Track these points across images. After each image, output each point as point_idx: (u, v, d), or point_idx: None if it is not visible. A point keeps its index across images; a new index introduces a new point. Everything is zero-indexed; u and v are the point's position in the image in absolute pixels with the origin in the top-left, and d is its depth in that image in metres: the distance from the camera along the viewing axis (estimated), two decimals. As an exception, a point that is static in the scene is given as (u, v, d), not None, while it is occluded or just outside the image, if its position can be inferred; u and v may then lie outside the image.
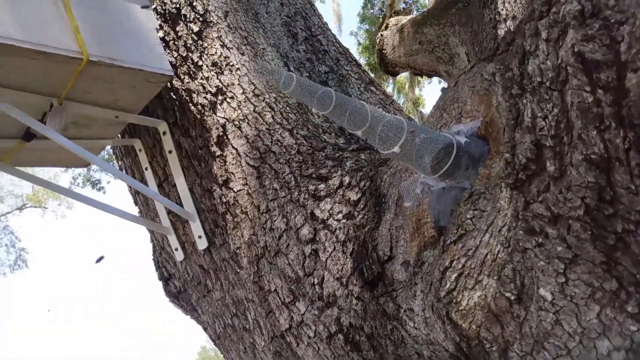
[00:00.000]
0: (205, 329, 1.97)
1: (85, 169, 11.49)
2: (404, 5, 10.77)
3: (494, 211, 0.93)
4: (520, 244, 0.85)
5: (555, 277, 0.82)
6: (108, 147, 2.11)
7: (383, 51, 4.06)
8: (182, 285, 1.93)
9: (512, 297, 0.86)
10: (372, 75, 3.37)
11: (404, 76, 11.22)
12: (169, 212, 1.83)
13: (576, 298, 0.81)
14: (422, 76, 4.19)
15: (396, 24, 4.00)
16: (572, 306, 0.82)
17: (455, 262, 0.95)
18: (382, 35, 4.15)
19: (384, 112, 1.00)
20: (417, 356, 1.10)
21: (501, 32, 2.55)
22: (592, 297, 0.80)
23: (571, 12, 0.77)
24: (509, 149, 0.89)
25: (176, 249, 1.84)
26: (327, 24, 2.37)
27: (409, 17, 3.95)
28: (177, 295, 1.99)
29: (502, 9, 2.54)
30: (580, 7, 0.76)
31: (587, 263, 0.79)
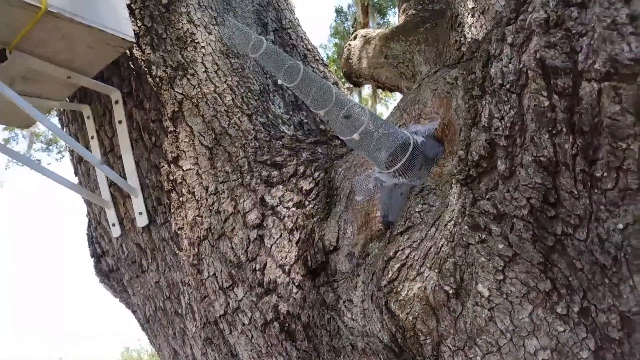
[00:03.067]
0: (134, 312, 1.89)
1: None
2: (377, 25, 10.99)
3: (442, 206, 0.94)
4: (464, 239, 0.87)
5: (494, 274, 0.84)
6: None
7: (349, 60, 4.10)
8: (115, 264, 1.85)
9: (451, 291, 0.88)
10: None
11: (368, 92, 11.39)
12: (111, 185, 1.75)
13: (511, 296, 0.83)
14: (383, 90, 4.26)
15: (365, 36, 4.07)
16: (507, 304, 0.84)
17: (399, 252, 0.96)
18: (349, 44, 4.20)
19: (349, 97, 1.00)
20: (351, 348, 1.09)
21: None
22: (527, 296, 0.82)
23: (537, 19, 0.80)
24: (463, 146, 0.90)
25: (113, 225, 1.76)
26: (298, 20, 2.37)
27: (378, 31, 4.02)
28: (108, 274, 1.90)
29: (468, 33, 2.62)
30: (546, 16, 0.79)
31: (526, 262, 0.82)
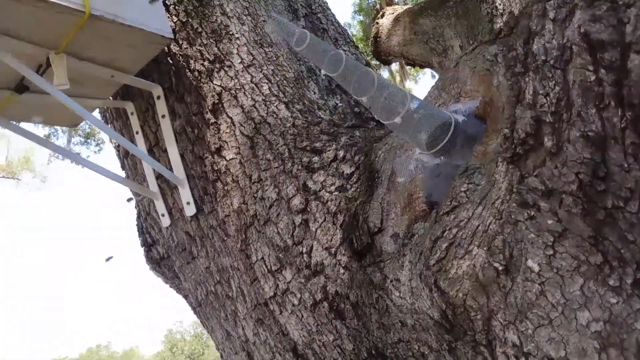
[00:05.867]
0: (186, 297, 1.97)
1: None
2: (402, 1, 10.78)
3: (488, 185, 0.95)
4: (513, 217, 0.88)
5: (543, 250, 0.85)
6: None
7: (378, 39, 4.07)
8: (165, 252, 1.93)
9: (500, 268, 0.89)
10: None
11: (395, 69, 11.24)
12: (158, 177, 1.82)
13: (562, 270, 0.84)
14: (414, 67, 4.21)
15: (393, 13, 4.02)
16: (557, 278, 0.85)
17: (446, 232, 0.98)
18: (377, 23, 4.16)
19: (389, 81, 1.02)
20: (400, 324, 1.13)
21: (497, 26, 2.58)
22: (577, 270, 0.83)
23: (581, -8, 0.79)
24: (508, 124, 0.91)
25: (162, 215, 1.83)
26: (327, 3, 2.37)
27: (406, 7, 3.96)
28: (160, 262, 1.99)
29: (500, 4, 2.57)
30: (590, -12, 0.78)
31: (576, 237, 0.82)
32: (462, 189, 1.00)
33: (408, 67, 10.78)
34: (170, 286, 2.11)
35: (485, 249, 0.91)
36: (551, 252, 0.84)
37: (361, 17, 13.37)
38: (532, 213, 0.85)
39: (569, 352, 0.85)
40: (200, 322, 1.95)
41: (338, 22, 2.32)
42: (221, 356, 1.84)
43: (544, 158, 0.85)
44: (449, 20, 3.24)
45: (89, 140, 13.10)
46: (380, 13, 4.26)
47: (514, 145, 0.88)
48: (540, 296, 0.86)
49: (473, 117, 1.15)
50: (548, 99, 0.84)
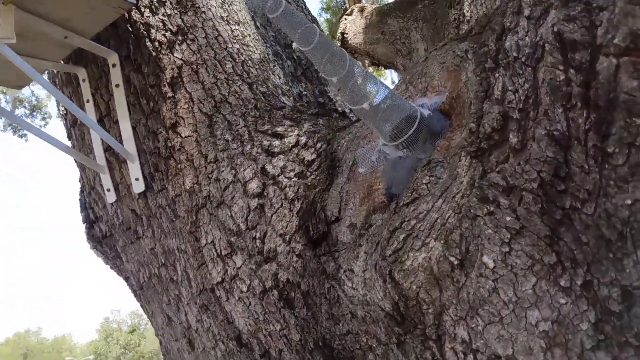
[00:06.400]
0: (126, 279, 1.88)
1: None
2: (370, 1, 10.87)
3: (450, 178, 0.95)
4: (472, 211, 0.87)
5: (500, 246, 0.85)
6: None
7: (345, 35, 4.06)
8: (108, 230, 1.83)
9: (455, 262, 0.89)
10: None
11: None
12: (107, 150, 1.73)
13: (516, 268, 0.84)
14: (378, 67, 4.24)
15: (361, 11, 4.02)
16: (511, 276, 0.85)
17: (405, 223, 0.96)
18: (345, 19, 4.15)
19: (360, 65, 0.99)
20: (350, 316, 1.11)
21: (463, 32, 2.62)
22: (531, 268, 0.83)
23: (557, -8, 0.80)
24: (474, 119, 0.90)
25: (108, 190, 1.74)
26: (298, -10, 2.32)
27: (374, 6, 3.97)
28: (101, 241, 1.89)
29: (467, 11, 2.61)
30: (566, -12, 0.78)
31: (532, 235, 0.83)
32: (424, 181, 0.99)
33: (370, 69, 10.87)
34: (111, 267, 2.01)
35: (442, 242, 0.90)
36: (507, 249, 0.84)
37: (328, 16, 13.39)
38: (492, 209, 0.85)
39: (516, 351, 0.85)
40: (141, 306, 1.87)
41: (308, 10, 2.29)
42: (160, 342, 1.77)
43: (507, 154, 0.85)
44: (416, 23, 3.28)
45: (34, 113, 12.49)
46: (349, 10, 4.26)
47: (479, 140, 0.87)
48: (493, 293, 0.86)
49: (438, 112, 1.14)
50: (517, 95, 0.84)
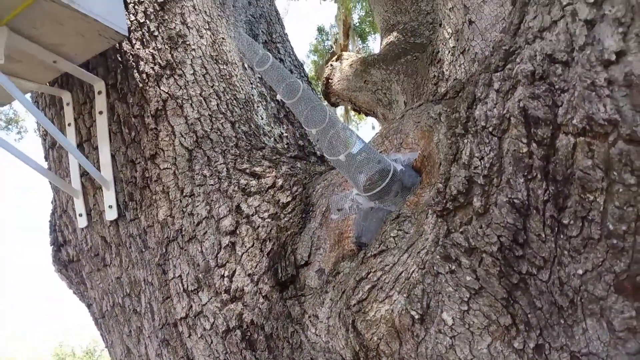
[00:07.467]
0: (89, 305, 1.85)
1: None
2: (356, 48, 11.19)
3: (417, 234, 0.99)
4: (435, 268, 0.91)
5: (459, 304, 0.88)
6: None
7: (330, 80, 4.18)
8: (75, 255, 1.81)
9: (417, 316, 0.91)
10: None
11: (341, 113, 11.51)
12: (83, 175, 1.72)
13: (473, 327, 0.88)
14: (359, 113, 4.35)
15: (347, 59, 4.15)
16: (468, 334, 0.88)
17: (371, 274, 0.99)
18: (332, 65, 4.28)
19: (339, 119, 1.04)
20: (311, 362, 1.12)
21: (441, 89, 2.74)
22: (487, 328, 0.87)
23: (524, 71, 0.86)
24: (443, 180, 0.95)
25: (80, 215, 1.73)
26: (287, 36, 2.41)
27: (360, 56, 4.12)
28: (67, 265, 1.86)
29: (447, 70, 2.74)
30: (533, 69, 0.85)
31: (490, 296, 0.86)
32: (392, 235, 1.02)
33: (352, 114, 11.11)
34: (74, 292, 1.97)
35: (405, 295, 0.93)
36: (466, 307, 0.88)
37: (315, 58, 13.71)
38: (453, 267, 0.89)
39: (468, 408, 0.87)
40: (100, 334, 1.82)
41: (295, 56, 2.37)
42: (116, 374, 1.73)
43: (471, 217, 0.89)
44: (398, 77, 3.40)
45: (10, 127, 12.26)
46: (337, 56, 4.39)
47: (445, 200, 0.92)
48: (450, 350, 0.89)
49: (411, 168, 1.19)
50: (482, 162, 0.89)
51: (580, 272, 0.80)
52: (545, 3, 0.92)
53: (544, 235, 0.83)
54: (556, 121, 0.82)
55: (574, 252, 0.81)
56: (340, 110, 11.00)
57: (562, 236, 0.81)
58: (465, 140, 0.96)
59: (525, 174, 0.84)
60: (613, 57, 0.79)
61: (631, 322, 0.76)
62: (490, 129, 0.90)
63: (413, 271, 0.95)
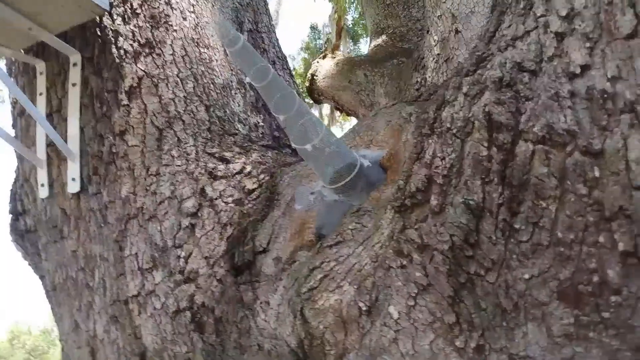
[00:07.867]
0: (42, 277, 1.81)
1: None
2: (348, 50, 11.22)
3: (374, 228, 0.99)
4: (387, 262, 0.92)
5: (406, 299, 0.89)
6: None
7: (314, 77, 4.18)
8: (33, 225, 1.77)
9: (364, 308, 0.92)
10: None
11: (326, 112, 11.52)
12: (49, 145, 1.69)
13: (418, 322, 0.88)
14: (342, 113, 4.37)
15: (334, 57, 4.17)
16: (412, 329, 0.89)
17: (324, 264, 1.00)
18: (318, 62, 4.29)
19: (309, 109, 1.04)
20: (257, 348, 1.11)
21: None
22: (432, 325, 0.88)
23: (492, 77, 0.88)
24: (404, 177, 0.96)
25: (42, 185, 1.69)
26: (274, 27, 2.40)
27: (347, 56, 4.14)
28: (24, 235, 1.82)
29: (429, 77, 2.77)
30: (501, 75, 0.87)
31: (437, 293, 0.87)
32: (350, 227, 1.03)
33: (337, 114, 11.14)
34: (29, 263, 1.93)
35: (355, 287, 0.94)
36: (412, 302, 0.88)
37: (306, 55, 13.69)
38: (405, 262, 0.90)
39: (406, 403, 0.88)
40: (50, 307, 1.79)
41: (280, 48, 2.36)
42: (62, 348, 1.69)
43: (427, 215, 0.90)
44: (382, 79, 3.43)
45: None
46: (323, 54, 4.40)
47: (404, 197, 0.93)
48: (393, 343, 0.90)
49: (377, 165, 1.20)
50: (443, 162, 0.91)
51: (526, 276, 0.82)
52: (521, 13, 0.94)
53: (495, 238, 0.84)
54: (518, 128, 0.83)
55: (522, 256, 0.82)
56: (326, 110, 11.02)
57: (512, 240, 0.83)
58: (430, 141, 0.97)
59: (483, 176, 0.85)
60: (578, 70, 0.81)
61: (569, 328, 0.77)
62: (455, 130, 0.92)
63: (366, 264, 0.95)
